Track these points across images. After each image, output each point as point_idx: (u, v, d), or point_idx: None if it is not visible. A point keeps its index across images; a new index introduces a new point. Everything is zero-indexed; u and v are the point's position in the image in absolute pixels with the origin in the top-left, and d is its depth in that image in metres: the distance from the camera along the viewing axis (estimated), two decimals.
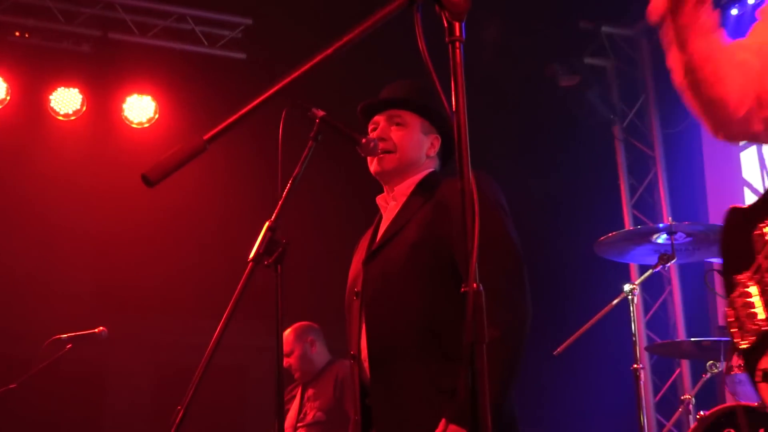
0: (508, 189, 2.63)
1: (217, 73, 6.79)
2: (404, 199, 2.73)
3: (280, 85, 1.60)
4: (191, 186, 6.15)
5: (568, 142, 6.95)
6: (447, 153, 2.82)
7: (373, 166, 2.76)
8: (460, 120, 1.53)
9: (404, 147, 2.74)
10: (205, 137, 1.56)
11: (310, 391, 5.18)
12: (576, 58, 6.76)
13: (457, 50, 1.55)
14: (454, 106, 1.53)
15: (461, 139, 1.53)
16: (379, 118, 2.79)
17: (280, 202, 2.23)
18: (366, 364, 2.57)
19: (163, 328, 7.53)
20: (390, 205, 2.78)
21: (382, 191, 2.84)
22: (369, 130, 2.81)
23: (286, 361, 5.21)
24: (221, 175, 6.75)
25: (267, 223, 2.20)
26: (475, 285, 1.45)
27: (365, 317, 2.59)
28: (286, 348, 5.21)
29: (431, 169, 2.79)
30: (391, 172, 2.75)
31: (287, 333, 5.27)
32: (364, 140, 2.58)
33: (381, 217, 2.81)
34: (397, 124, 2.76)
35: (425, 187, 2.71)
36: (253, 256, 2.14)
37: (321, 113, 2.38)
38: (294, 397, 5.28)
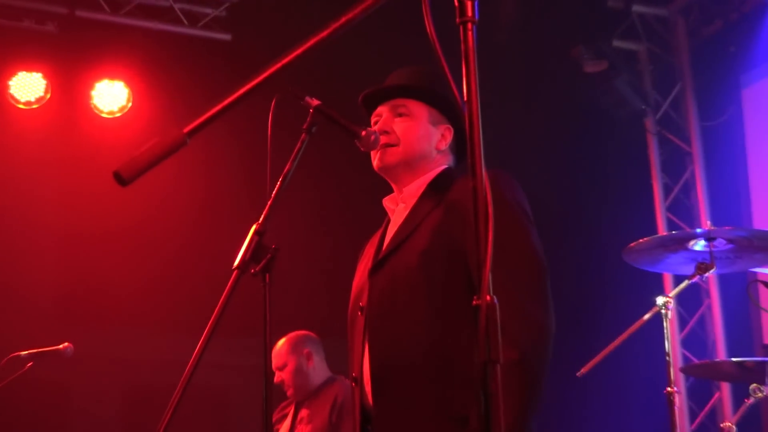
0: (525, 189, 2.63)
1: (199, 56, 6.80)
2: (414, 200, 2.74)
3: (271, 71, 1.60)
4: (169, 184, 6.16)
5: (594, 136, 6.96)
6: (463, 146, 2.81)
7: (375, 161, 2.77)
8: (473, 110, 1.53)
9: (408, 139, 2.74)
10: (186, 130, 1.56)
11: (303, 412, 5.14)
12: (603, 40, 6.76)
13: (469, 32, 1.55)
14: (465, 95, 1.54)
15: (473, 132, 1.53)
16: (383, 109, 2.81)
17: (269, 203, 2.23)
18: (369, 388, 2.57)
19: (135, 345, 7.54)
20: (399, 207, 2.79)
21: (392, 191, 2.86)
22: (372, 123, 2.82)
23: (278, 376, 5.17)
24: (203, 172, 6.75)
25: (254, 227, 2.20)
26: (488, 297, 1.45)
27: (369, 335, 2.59)
28: (279, 361, 5.17)
29: (445, 166, 2.80)
30: (395, 167, 2.75)
31: (281, 343, 5.24)
32: (364, 133, 2.58)
33: (389, 221, 2.82)
34: (401, 115, 2.77)
35: (438, 186, 2.71)
36: (238, 264, 2.13)
37: (316, 102, 2.39)
38: (286, 416, 5.24)
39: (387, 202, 2.84)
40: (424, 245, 2.57)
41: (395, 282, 2.59)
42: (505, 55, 6.43)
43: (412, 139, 2.75)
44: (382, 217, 2.88)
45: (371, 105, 2.85)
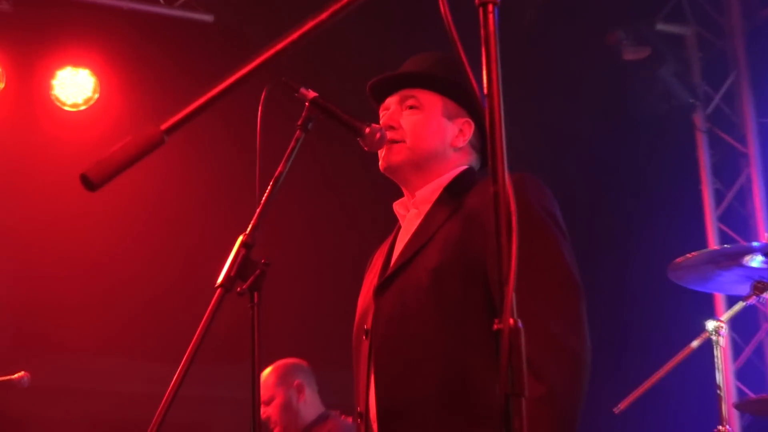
0: (554, 195, 2.63)
1: (178, 40, 6.81)
2: (428, 207, 2.75)
3: (262, 58, 1.61)
4: (142, 189, 6.17)
5: (634, 135, 6.96)
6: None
7: (380, 160, 2.79)
8: (494, 105, 1.54)
9: (417, 135, 2.76)
10: (163, 127, 1.57)
11: None
12: (646, 23, 6.77)
13: (490, 14, 1.56)
14: (485, 87, 1.54)
15: (494, 130, 1.53)
16: (391, 101, 2.83)
17: (258, 210, 2.23)
18: (376, 425, 2.58)
19: (102, 375, 7.54)
20: (410, 213, 2.80)
21: (402, 194, 2.87)
22: (381, 117, 2.84)
23: (263, 411, 5.12)
24: (182, 174, 6.76)
25: (241, 238, 2.20)
26: (512, 321, 1.45)
27: (375, 364, 2.60)
28: (264, 394, 5.12)
29: (464, 167, 2.80)
30: (402, 167, 2.77)
31: (266, 374, 5.21)
32: (367, 129, 2.59)
33: (400, 229, 2.84)
34: (411, 108, 2.79)
35: (455, 191, 2.72)
36: (222, 281, 2.14)
37: (312, 94, 2.41)
38: None
39: (397, 207, 2.86)
40: (438, 260, 2.57)
41: (404, 303, 2.60)
42: (530, 40, 6.45)
43: (421, 135, 2.77)
44: (390, 225, 2.90)
45: (380, 97, 2.87)
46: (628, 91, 6.86)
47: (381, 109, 2.86)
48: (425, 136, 2.77)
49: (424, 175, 2.77)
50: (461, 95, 2.79)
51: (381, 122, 2.78)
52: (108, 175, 1.54)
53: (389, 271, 2.70)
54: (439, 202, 2.72)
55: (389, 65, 2.95)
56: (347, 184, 6.48)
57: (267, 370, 5.24)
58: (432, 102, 2.80)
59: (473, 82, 1.57)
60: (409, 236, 2.73)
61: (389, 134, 2.72)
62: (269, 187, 2.25)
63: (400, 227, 2.83)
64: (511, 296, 1.45)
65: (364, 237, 3.00)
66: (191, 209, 6.86)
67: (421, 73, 2.81)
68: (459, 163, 2.80)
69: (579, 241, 2.62)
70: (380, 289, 2.68)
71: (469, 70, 1.57)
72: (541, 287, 2.39)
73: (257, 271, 2.18)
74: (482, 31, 1.55)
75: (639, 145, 6.95)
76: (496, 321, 1.45)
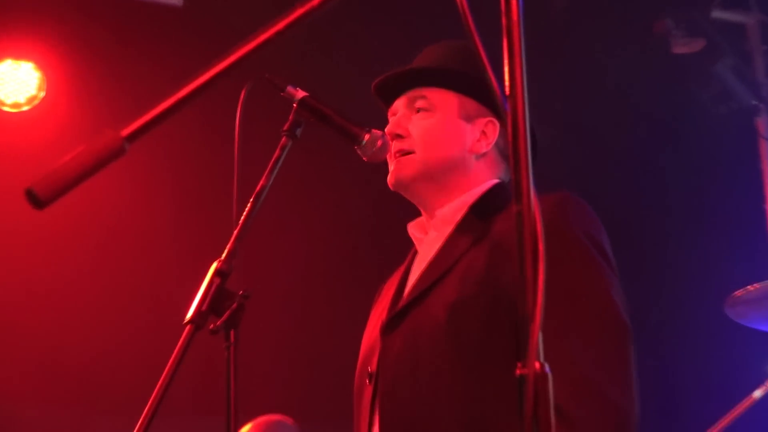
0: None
1: (140, 28, 6.82)
2: (450, 229, 2.74)
3: (242, 52, 1.60)
4: (96, 205, 6.17)
5: (686, 143, 6.97)
6: None
7: (389, 175, 2.80)
8: (517, 108, 1.54)
9: (428, 143, 2.77)
10: (124, 133, 1.56)
11: None
12: (699, 11, 6.78)
13: (513, 1, 1.56)
14: (507, 86, 1.54)
15: (518, 136, 1.53)
16: (399, 104, 2.83)
17: (236, 232, 2.22)
18: None
19: (40, 430, 7.51)
20: (429, 237, 2.79)
21: (419, 213, 2.87)
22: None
23: None
24: (145, 188, 6.75)
25: (215, 265, 2.19)
26: (537, 364, 1.45)
27: (380, 413, 2.60)
28: None
29: (494, 180, 2.81)
30: (414, 182, 2.77)
31: None
32: (366, 136, 2.60)
33: (416, 254, 2.83)
34: (420, 110, 2.80)
35: (484, 211, 2.72)
36: (192, 316, 2.13)
37: (301, 94, 2.42)
38: None
39: (413, 229, 2.85)
40: (458, 294, 2.56)
41: (416, 343, 2.59)
42: (562, 31, 6.45)
43: (434, 143, 2.77)
44: (403, 250, 2.89)
45: (389, 100, 2.88)
46: (678, 90, 6.86)
47: (389, 114, 2.86)
48: (438, 144, 2.77)
49: (443, 192, 2.77)
50: (482, 91, 2.76)
51: (386, 130, 2.77)
52: (58, 190, 1.52)
53: (400, 304, 2.70)
54: (463, 224, 2.72)
55: (401, 60, 2.94)
56: (348, 199, 6.43)
57: (244, 429, 5.25)
58: (446, 102, 2.80)
59: (493, 79, 1.57)
60: (426, 264, 2.73)
61: (396, 144, 2.72)
62: (249, 205, 2.25)
63: (416, 252, 2.82)
64: (537, 336, 1.45)
65: (369, 264, 3.01)
66: (156, 230, 6.82)
67: (430, 68, 2.81)
68: (484, 174, 2.80)
69: (620, 269, 2.61)
70: (389, 327, 2.68)
71: (487, 64, 1.57)
72: (580, 326, 2.36)
73: (234, 305, 2.16)
74: (504, 21, 1.56)
75: (691, 156, 6.94)
76: (519, 365, 1.45)
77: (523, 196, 1.53)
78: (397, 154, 2.74)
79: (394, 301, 2.76)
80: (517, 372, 1.45)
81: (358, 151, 2.63)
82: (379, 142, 2.63)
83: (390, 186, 2.79)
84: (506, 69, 1.55)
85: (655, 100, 6.96)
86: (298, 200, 5.83)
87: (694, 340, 6.40)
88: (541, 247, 1.50)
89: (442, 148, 2.77)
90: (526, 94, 1.54)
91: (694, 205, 6.93)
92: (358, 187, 5.06)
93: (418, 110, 2.80)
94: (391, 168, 2.77)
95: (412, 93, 2.82)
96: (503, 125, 2.77)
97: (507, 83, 1.54)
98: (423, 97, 2.80)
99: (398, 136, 2.76)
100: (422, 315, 2.62)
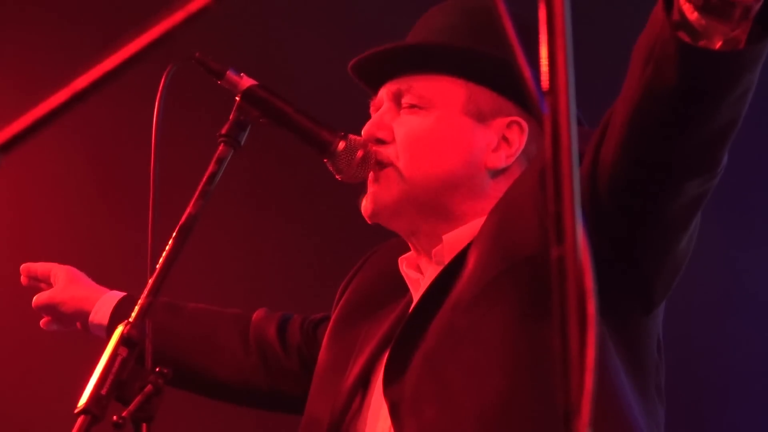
0: None
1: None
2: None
3: (165, 28, 1.26)
4: None
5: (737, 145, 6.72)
6: None
7: (363, 201, 2.22)
8: (559, 110, 1.16)
9: (414, 152, 2.19)
10: None
11: None
12: None
13: None
14: (546, 82, 1.14)
15: (560, 151, 1.18)
16: (384, 94, 2.26)
17: (150, 283, 1.84)
18: None
19: None
20: (428, 276, 2.22)
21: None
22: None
23: None
24: (31, 213, 6.12)
25: (120, 329, 1.80)
26: None
27: None
28: None
29: None
30: (396, 210, 2.20)
31: None
32: (341, 144, 2.10)
33: (409, 303, 2.24)
34: (411, 107, 2.22)
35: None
36: (87, 404, 1.75)
37: (248, 82, 1.97)
38: None
39: (405, 267, 2.28)
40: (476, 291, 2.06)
41: (437, 372, 2.08)
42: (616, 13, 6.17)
43: (420, 152, 2.20)
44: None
45: (374, 85, 2.32)
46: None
47: (371, 107, 2.30)
48: (430, 154, 2.19)
49: (440, 223, 2.21)
50: (504, 78, 2.16)
51: (363, 131, 2.21)
52: None
53: (394, 341, 2.13)
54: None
55: (400, 30, 2.41)
56: (314, 232, 5.65)
57: None
58: (447, 93, 2.21)
59: (524, 67, 1.16)
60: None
61: (376, 152, 2.17)
62: (170, 243, 1.83)
63: (409, 301, 2.27)
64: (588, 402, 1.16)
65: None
66: (54, 253, 6.27)
67: (425, 44, 2.24)
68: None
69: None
70: (392, 374, 2.12)
71: (515, 39, 1.17)
72: None
73: (148, 388, 1.77)
74: (545, 7, 1.19)
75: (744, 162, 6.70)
76: None
77: (567, 235, 1.20)
78: (375, 168, 2.19)
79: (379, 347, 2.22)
80: None
81: (329, 166, 2.11)
82: (360, 153, 2.09)
83: (365, 217, 2.23)
84: (547, 62, 1.17)
85: None
86: (246, 232, 5.22)
87: (744, 388, 6.35)
88: (592, 308, 1.18)
89: (436, 160, 2.19)
90: (572, 90, 1.17)
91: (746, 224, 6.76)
92: (333, 204, 4.47)
93: (409, 106, 2.22)
94: (368, 189, 2.23)
95: (399, 81, 2.22)
96: (534, 126, 2.21)
97: (545, 72, 1.17)
98: (413, 87, 2.22)
99: (378, 141, 2.20)
100: (434, 335, 2.08)
